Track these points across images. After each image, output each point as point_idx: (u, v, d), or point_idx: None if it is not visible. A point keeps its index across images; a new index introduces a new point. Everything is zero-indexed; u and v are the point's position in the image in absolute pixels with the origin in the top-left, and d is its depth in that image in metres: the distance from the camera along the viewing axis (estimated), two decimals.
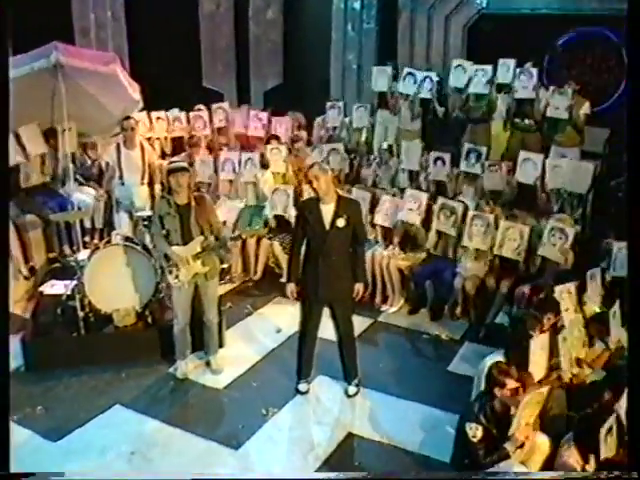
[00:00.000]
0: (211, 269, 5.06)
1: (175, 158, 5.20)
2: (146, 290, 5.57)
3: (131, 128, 6.74)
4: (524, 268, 5.96)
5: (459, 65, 7.79)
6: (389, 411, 4.81)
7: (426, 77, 7.85)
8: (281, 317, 6.04)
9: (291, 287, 4.84)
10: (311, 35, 9.81)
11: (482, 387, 4.31)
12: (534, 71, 7.37)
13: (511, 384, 3.95)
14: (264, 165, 7.32)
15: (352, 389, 5.04)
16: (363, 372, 5.05)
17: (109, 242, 5.67)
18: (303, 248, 4.76)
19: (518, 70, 7.42)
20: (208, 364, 5.39)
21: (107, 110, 6.88)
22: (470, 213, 6.17)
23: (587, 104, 7.27)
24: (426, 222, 6.45)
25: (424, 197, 6.51)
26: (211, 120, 8.17)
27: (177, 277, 4.97)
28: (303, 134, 8.17)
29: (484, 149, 7.02)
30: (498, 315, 5.91)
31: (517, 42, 8.03)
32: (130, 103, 6.95)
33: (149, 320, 5.53)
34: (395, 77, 8.15)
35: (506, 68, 7.59)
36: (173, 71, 9.49)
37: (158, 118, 8.19)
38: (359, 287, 4.82)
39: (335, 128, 8.21)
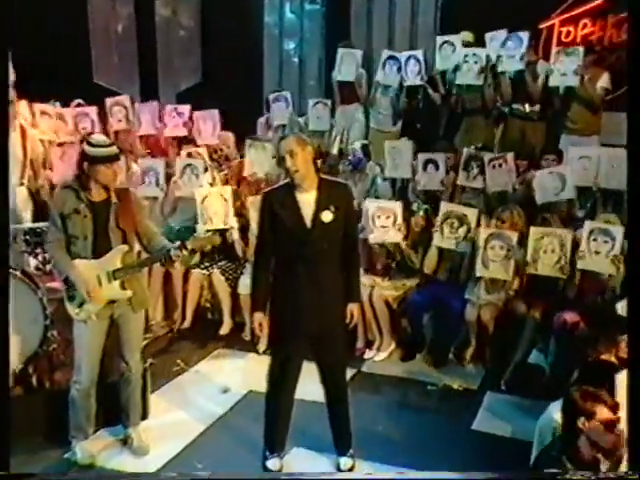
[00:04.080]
0: (136, 295, 4.41)
1: (95, 137, 4.50)
2: (29, 338, 4.88)
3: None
4: (561, 289, 5.57)
5: (446, 42, 7.54)
6: None
7: (410, 57, 7.60)
8: (226, 374, 5.77)
9: (258, 318, 4.25)
10: (238, 19, 9.53)
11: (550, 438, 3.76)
12: (524, 36, 7.14)
13: (603, 413, 3.40)
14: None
15: (346, 462, 4.51)
16: (356, 441, 4.58)
17: None
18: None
19: (504, 35, 7.24)
20: (126, 441, 4.75)
21: None
22: (482, 231, 5.80)
23: (606, 76, 7.00)
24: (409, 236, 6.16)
25: (397, 207, 6.14)
26: (105, 120, 7.65)
27: (81, 306, 4.29)
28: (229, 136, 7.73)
29: (486, 155, 6.64)
30: (530, 354, 5.60)
31: (506, 13, 7.86)
32: None
33: (33, 382, 4.93)
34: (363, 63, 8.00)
35: (498, 43, 7.38)
36: (53, 60, 8.85)
37: (43, 113, 7.37)
38: (353, 309, 4.29)
39: (284, 127, 7.83)
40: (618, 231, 5.36)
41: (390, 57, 7.71)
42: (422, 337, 5.98)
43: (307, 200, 4.09)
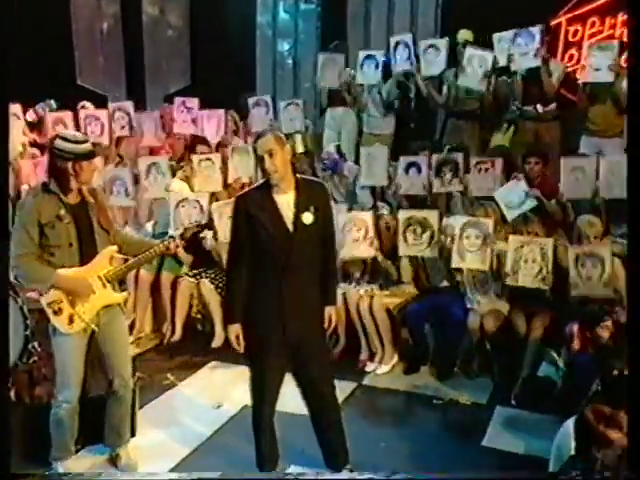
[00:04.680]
0: (123, 298, 4.38)
1: (68, 133, 4.38)
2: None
3: None
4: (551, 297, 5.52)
5: (431, 46, 7.36)
6: None
7: (398, 43, 7.47)
8: (219, 388, 5.66)
9: (235, 330, 4.08)
10: (229, 19, 9.57)
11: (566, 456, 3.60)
12: (536, 31, 6.95)
13: (620, 441, 3.23)
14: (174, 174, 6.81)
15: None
16: (357, 457, 4.42)
17: None
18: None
19: (513, 33, 7.05)
20: (113, 460, 4.59)
21: None
22: (457, 220, 5.78)
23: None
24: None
25: (367, 216, 6.05)
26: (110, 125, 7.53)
27: (71, 319, 4.11)
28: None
29: (459, 156, 6.52)
30: (540, 366, 5.50)
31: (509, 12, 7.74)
32: None
33: (11, 397, 4.71)
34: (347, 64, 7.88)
35: (507, 44, 7.15)
36: (34, 61, 8.76)
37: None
38: (331, 312, 4.22)
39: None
40: (608, 258, 5.24)
41: (367, 56, 7.61)
42: (425, 348, 5.89)
43: (286, 201, 3.98)
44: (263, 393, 4.18)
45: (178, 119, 7.54)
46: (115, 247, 4.20)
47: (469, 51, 7.14)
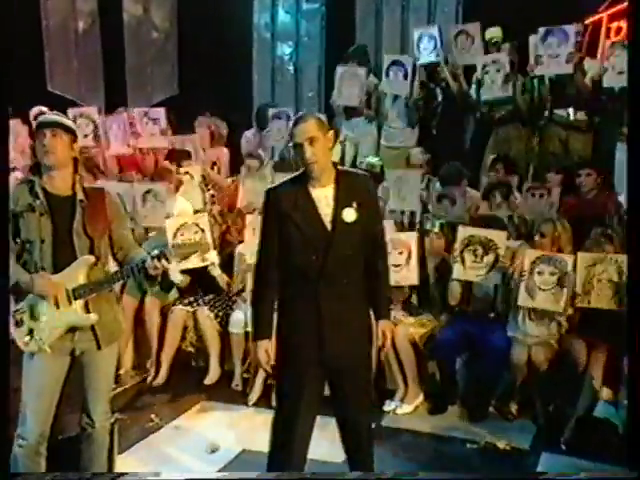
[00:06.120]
0: (104, 324, 4.03)
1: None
2: None
3: None
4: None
5: (462, 31, 7.45)
6: None
7: (422, 36, 7.57)
8: (214, 429, 5.53)
9: (264, 346, 3.88)
10: (222, 19, 9.44)
11: None
12: (571, 31, 6.86)
13: None
14: None
15: None
16: None
17: None
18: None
19: (543, 31, 6.95)
20: None
21: None
22: (529, 253, 5.56)
23: None
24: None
25: (412, 239, 5.95)
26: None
27: (31, 334, 3.91)
28: (224, 153, 7.79)
29: (513, 180, 6.57)
30: (596, 406, 5.25)
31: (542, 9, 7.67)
32: None
33: None
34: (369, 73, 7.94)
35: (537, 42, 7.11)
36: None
37: None
38: (385, 329, 3.99)
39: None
40: None
41: (394, 62, 7.68)
42: (454, 385, 5.73)
43: (324, 196, 3.82)
44: (293, 429, 3.90)
45: (143, 133, 7.67)
46: (92, 258, 3.97)
47: (482, 60, 7.19)
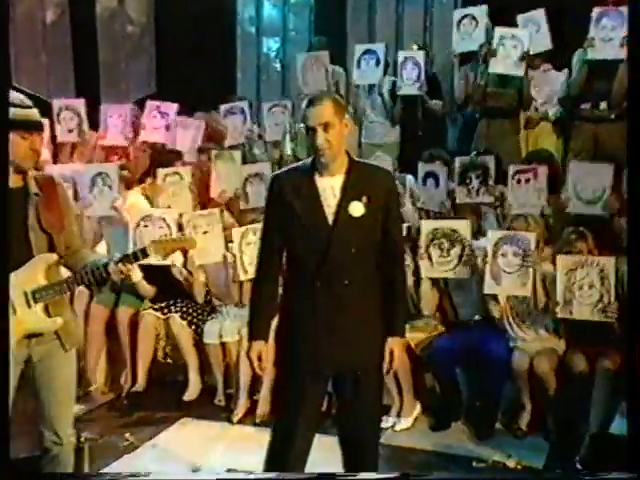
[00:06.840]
0: (68, 326, 3.93)
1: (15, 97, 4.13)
2: None
3: None
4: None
5: (466, 16, 7.34)
6: None
7: (406, 59, 7.51)
8: (195, 448, 5.47)
9: (257, 348, 3.81)
10: (203, 13, 9.40)
11: None
12: (623, 11, 6.52)
13: None
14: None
15: None
16: None
17: None
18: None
19: (595, 13, 6.73)
20: None
21: None
22: (493, 234, 5.62)
23: None
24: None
25: None
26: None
27: None
28: None
29: (490, 160, 6.45)
30: (612, 420, 5.15)
31: None
32: None
33: None
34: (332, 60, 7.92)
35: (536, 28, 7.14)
36: None
37: None
38: (394, 347, 3.79)
39: (243, 145, 7.65)
40: None
41: (366, 51, 7.69)
42: (456, 397, 5.67)
43: (329, 186, 3.71)
44: (291, 441, 3.83)
45: (148, 125, 7.50)
46: (54, 256, 3.85)
47: (500, 31, 7.06)
